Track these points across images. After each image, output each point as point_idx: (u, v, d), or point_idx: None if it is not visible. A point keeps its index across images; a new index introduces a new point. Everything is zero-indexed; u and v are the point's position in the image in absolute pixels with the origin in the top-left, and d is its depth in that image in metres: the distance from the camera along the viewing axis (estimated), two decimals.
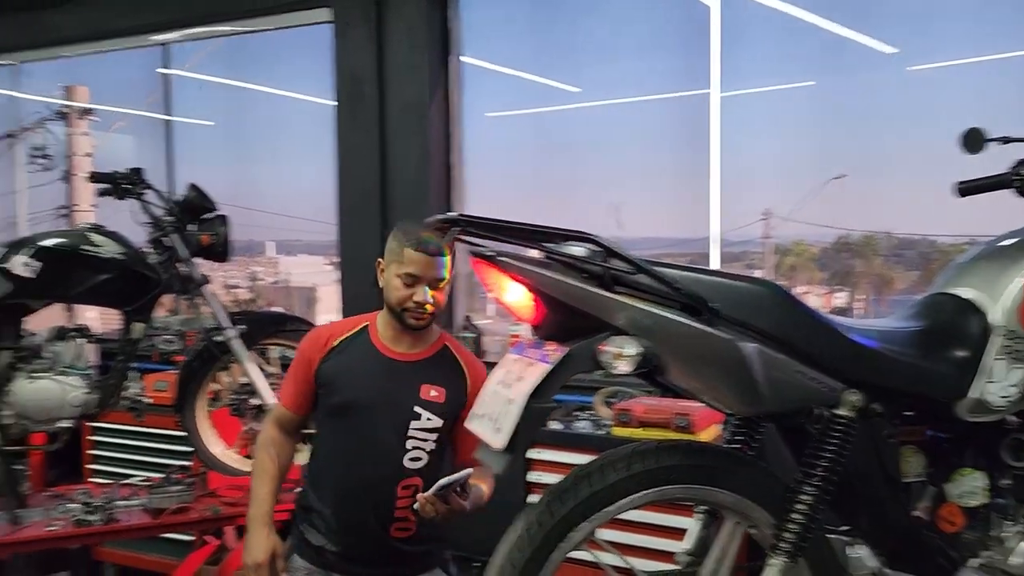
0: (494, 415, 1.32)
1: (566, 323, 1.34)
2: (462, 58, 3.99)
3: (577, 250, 1.31)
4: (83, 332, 3.04)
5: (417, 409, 1.97)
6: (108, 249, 2.89)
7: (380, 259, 2.01)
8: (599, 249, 1.28)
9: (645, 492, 1.40)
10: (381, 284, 2.00)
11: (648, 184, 4.47)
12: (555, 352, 1.31)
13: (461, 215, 1.30)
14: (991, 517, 1.54)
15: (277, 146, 5.91)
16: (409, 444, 1.97)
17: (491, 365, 1.53)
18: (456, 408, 1.99)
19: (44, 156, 6.58)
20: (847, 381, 1.38)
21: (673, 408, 2.87)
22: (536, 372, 1.30)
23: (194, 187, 3.05)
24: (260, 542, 2.00)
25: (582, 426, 3.18)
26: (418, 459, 1.98)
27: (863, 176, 4.15)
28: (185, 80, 4.99)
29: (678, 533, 2.54)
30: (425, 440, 1.98)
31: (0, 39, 5.02)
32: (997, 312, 1.49)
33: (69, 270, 2.86)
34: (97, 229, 2.93)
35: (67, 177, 7.41)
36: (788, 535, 1.36)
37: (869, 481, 1.45)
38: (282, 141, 5.86)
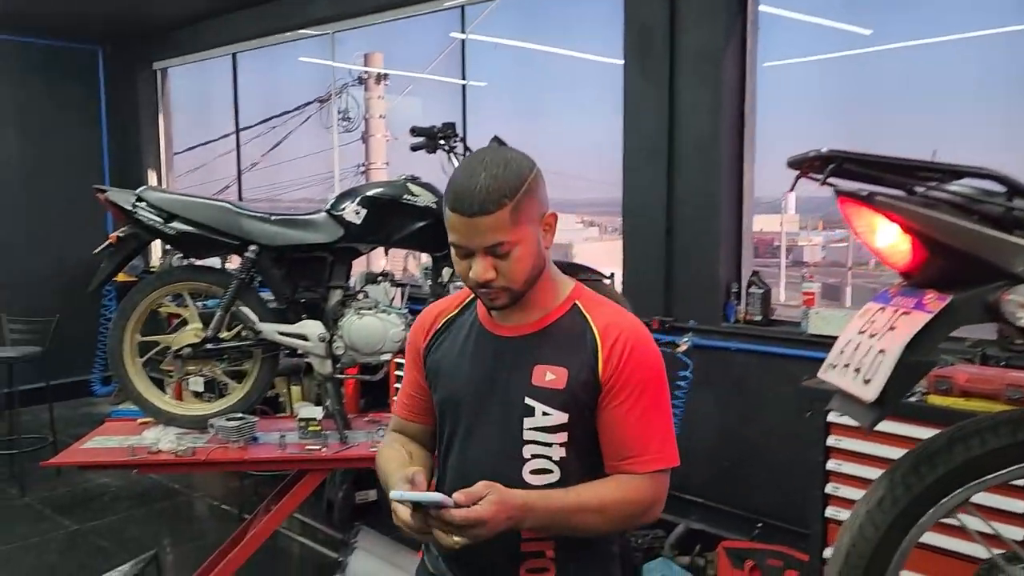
0: (861, 365, 1.24)
1: (949, 270, 1.22)
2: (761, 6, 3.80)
3: (968, 189, 1.19)
4: (389, 277, 3.33)
5: (529, 401, 1.41)
6: (425, 199, 3.13)
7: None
8: (1001, 187, 1.15)
9: None
10: None
11: (971, 128, 3.99)
12: (935, 300, 1.20)
13: (834, 150, 1.22)
14: None
15: (564, 106, 6.04)
16: (527, 452, 1.43)
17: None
18: (585, 393, 1.41)
19: (346, 118, 7.26)
20: None
21: (1003, 379, 2.58)
22: (913, 322, 1.20)
23: (497, 139, 3.19)
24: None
25: None
26: (545, 472, 1.42)
27: None
28: (476, 43, 5.22)
29: None
30: (549, 445, 1.42)
31: (318, 12, 5.58)
32: None
33: (391, 217, 3.14)
34: (415, 180, 3.18)
35: (364, 137, 8.13)
36: None
37: None
38: (568, 101, 5.98)
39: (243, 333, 3.13)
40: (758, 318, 3.76)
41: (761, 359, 3.71)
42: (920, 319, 1.19)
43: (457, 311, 1.55)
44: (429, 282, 3.34)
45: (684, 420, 3.45)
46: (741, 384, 3.79)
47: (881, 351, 1.21)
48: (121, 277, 4.96)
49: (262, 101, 6.94)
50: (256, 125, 6.88)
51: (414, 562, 1.64)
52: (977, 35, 3.70)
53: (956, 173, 1.18)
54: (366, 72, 7.43)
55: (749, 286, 3.80)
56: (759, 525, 3.58)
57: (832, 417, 2.92)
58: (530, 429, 1.42)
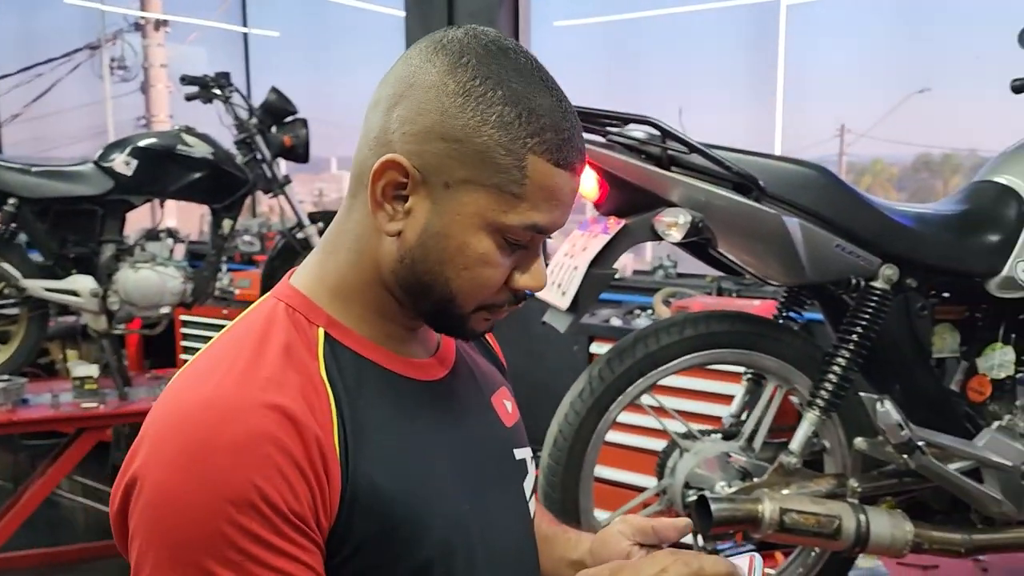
0: (561, 281, 1.49)
1: (626, 200, 1.49)
2: None
3: (638, 133, 1.45)
4: (171, 233, 3.30)
5: (520, 455, 0.93)
6: (200, 149, 3.11)
7: (402, 173, 0.75)
8: (658, 132, 1.42)
9: (696, 354, 1.57)
10: (414, 239, 0.77)
11: (713, 96, 4.49)
12: (615, 224, 1.47)
13: None
14: (1016, 388, 1.67)
15: (347, 58, 6.04)
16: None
17: None
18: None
19: (122, 67, 6.84)
20: (884, 256, 1.51)
21: (730, 305, 3.01)
22: (598, 242, 1.46)
23: (275, 90, 3.24)
24: None
25: (640, 323, 3.34)
26: None
27: (948, 89, 4.06)
28: None
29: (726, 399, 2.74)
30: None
31: None
32: None
33: (164, 168, 3.09)
34: (190, 131, 3.15)
35: (144, 88, 7.68)
36: (823, 392, 1.52)
37: (900, 350, 1.59)
38: (352, 52, 5.98)
39: (5, 291, 3.00)
40: None
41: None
42: (603, 240, 1.45)
43: (326, 384, 0.75)
44: (209, 237, 3.34)
45: None
46: (527, 327, 4.09)
47: (575, 267, 1.46)
48: None
49: (21, 46, 6.38)
50: (15, 74, 6.34)
51: None
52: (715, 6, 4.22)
53: (627, 120, 1.44)
54: (142, 17, 7.02)
55: None
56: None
57: (594, 348, 3.27)
58: (529, 494, 0.92)
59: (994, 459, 1.54)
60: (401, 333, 0.83)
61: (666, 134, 1.41)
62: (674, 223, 1.40)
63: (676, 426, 1.71)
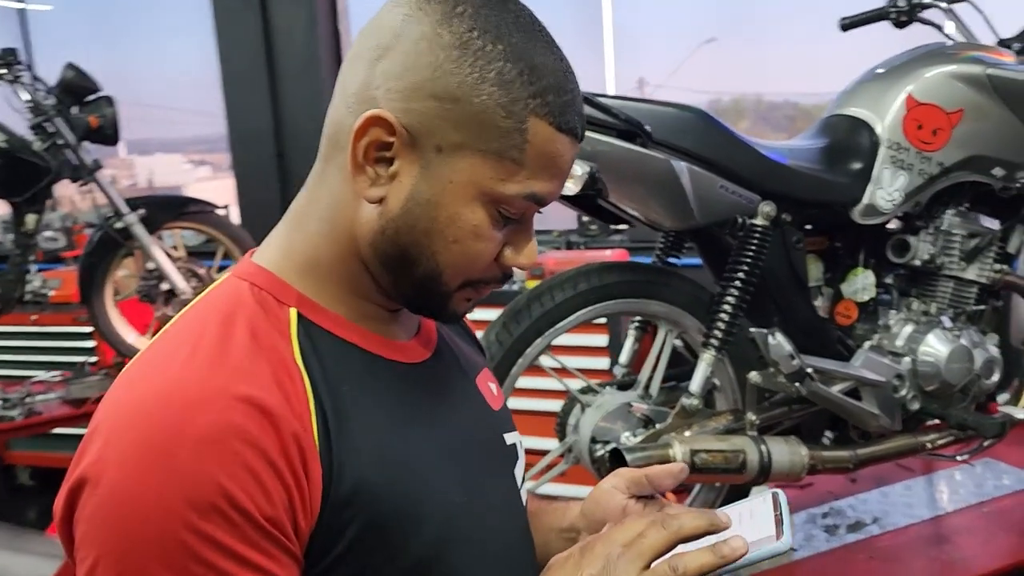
0: None
1: None
2: None
3: None
4: None
5: (511, 440, 0.86)
6: None
7: (389, 131, 0.66)
8: None
9: (591, 308, 1.55)
10: (398, 206, 0.67)
11: None
12: None
13: None
14: (878, 309, 1.78)
15: (150, 29, 5.51)
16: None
17: None
18: None
19: None
20: (763, 193, 1.54)
21: (583, 258, 3.04)
22: None
23: (72, 66, 2.88)
24: None
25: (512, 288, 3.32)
26: None
27: (737, 38, 4.29)
28: None
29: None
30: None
31: None
32: (883, 127, 1.67)
33: None
34: None
35: None
36: (717, 332, 1.54)
37: (781, 283, 1.64)
38: (156, 23, 5.47)
39: None
40: None
41: None
42: None
43: (302, 370, 0.66)
44: (11, 235, 2.96)
45: None
46: None
47: None
48: None
49: None
50: None
51: (41, 542, 1.53)
52: None
53: None
54: None
55: None
56: None
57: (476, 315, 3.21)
58: (521, 481, 0.85)
59: (870, 377, 1.63)
60: (381, 313, 0.75)
61: None
62: (570, 175, 1.35)
63: (573, 383, 1.68)
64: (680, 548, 0.67)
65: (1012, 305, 1.96)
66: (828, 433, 1.71)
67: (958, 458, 1.78)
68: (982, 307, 1.82)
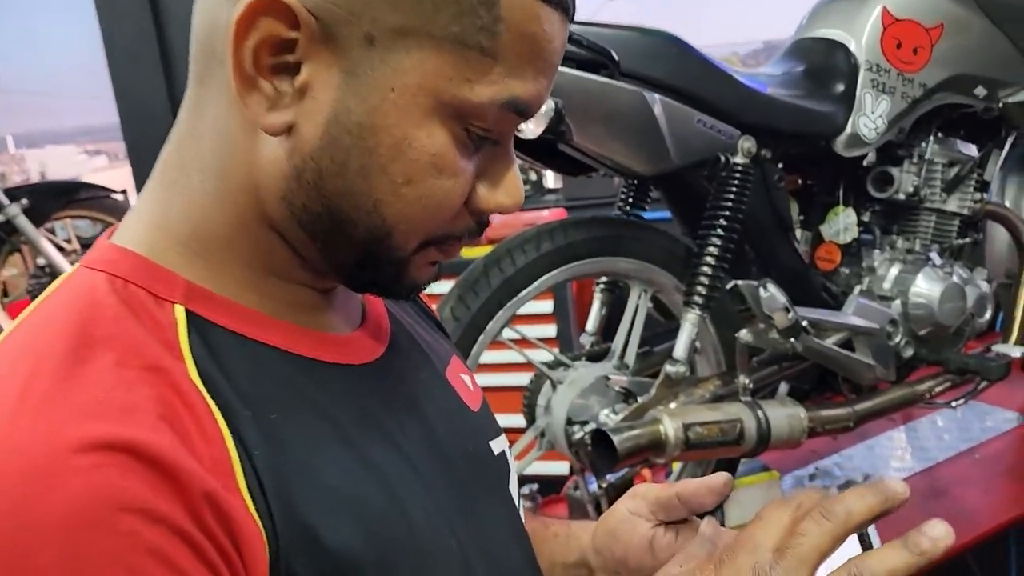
0: None
1: None
2: None
3: None
4: None
5: (497, 447, 0.65)
6: None
7: (288, 22, 0.43)
8: None
9: (556, 271, 1.34)
10: (316, 136, 0.45)
11: None
12: None
13: None
14: (861, 251, 1.63)
15: (26, 9, 5.00)
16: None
17: None
18: None
19: None
20: (741, 127, 1.36)
21: (520, 220, 2.84)
22: None
23: None
24: None
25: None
26: None
27: None
28: None
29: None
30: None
31: None
32: (860, 47, 1.51)
33: None
34: None
35: None
36: (699, 288, 1.36)
37: (764, 228, 1.47)
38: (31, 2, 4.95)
39: None
40: None
41: None
42: None
43: (204, 394, 0.44)
44: None
45: None
46: None
47: None
48: None
49: None
50: None
51: None
52: None
53: None
54: None
55: None
56: None
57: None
58: (517, 499, 0.66)
59: (864, 325, 1.48)
60: (308, 297, 0.51)
61: None
62: None
63: (535, 355, 1.48)
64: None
65: (988, 237, 1.85)
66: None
67: (953, 404, 1.65)
68: (964, 240, 1.70)
